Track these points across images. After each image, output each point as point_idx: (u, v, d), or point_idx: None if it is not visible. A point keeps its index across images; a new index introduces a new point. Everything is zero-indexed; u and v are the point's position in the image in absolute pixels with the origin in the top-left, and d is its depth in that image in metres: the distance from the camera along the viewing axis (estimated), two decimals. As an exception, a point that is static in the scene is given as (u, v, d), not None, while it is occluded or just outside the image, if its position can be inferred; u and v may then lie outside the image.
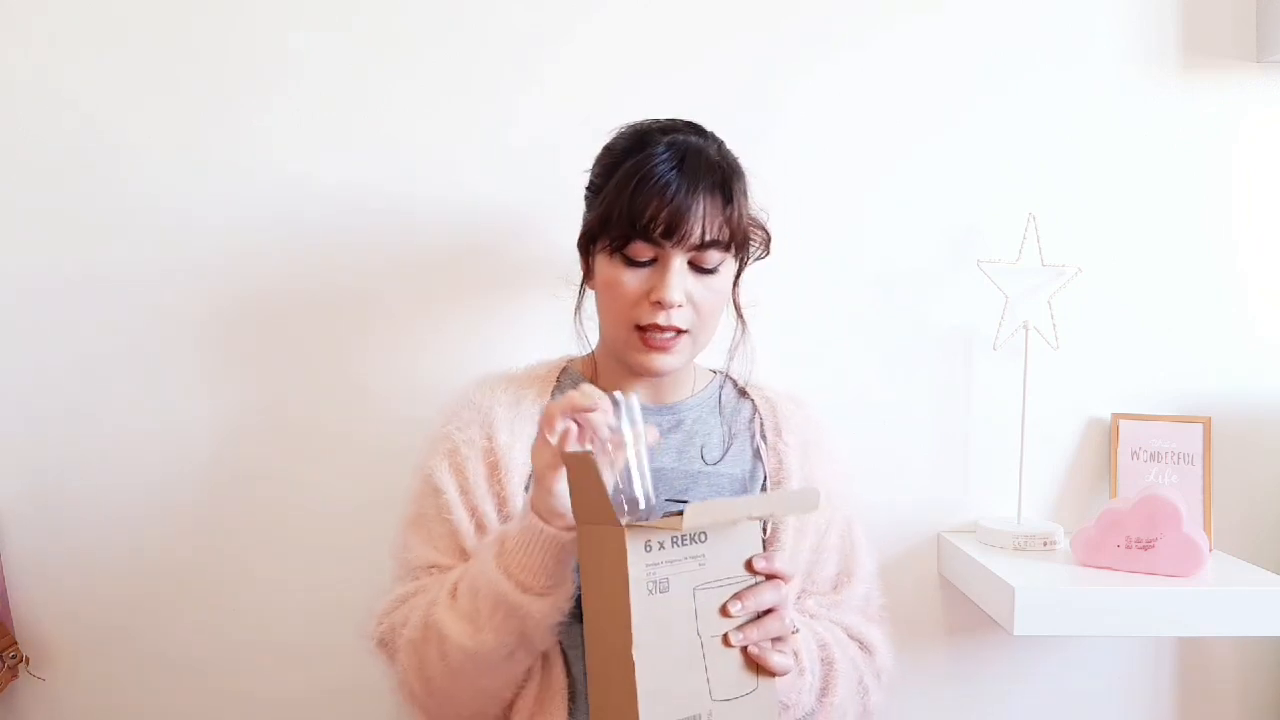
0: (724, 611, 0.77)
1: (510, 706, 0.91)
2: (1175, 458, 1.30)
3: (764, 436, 1.02)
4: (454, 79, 1.29)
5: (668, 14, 1.30)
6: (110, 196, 1.28)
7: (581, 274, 1.01)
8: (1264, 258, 1.36)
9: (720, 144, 0.97)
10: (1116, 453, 1.33)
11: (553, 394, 1.02)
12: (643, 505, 0.79)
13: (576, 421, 0.79)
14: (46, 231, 1.28)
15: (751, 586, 0.79)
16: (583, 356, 1.06)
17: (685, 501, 0.85)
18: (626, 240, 0.89)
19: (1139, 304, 1.35)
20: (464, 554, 0.93)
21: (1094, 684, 1.38)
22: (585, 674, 0.90)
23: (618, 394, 0.81)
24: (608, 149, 0.97)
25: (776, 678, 0.80)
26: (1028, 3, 1.33)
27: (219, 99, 1.28)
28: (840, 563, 1.02)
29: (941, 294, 1.34)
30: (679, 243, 0.89)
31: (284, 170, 1.29)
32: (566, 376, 1.04)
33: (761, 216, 1.00)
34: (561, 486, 0.78)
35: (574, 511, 0.78)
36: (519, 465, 0.95)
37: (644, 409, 0.98)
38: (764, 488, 1.00)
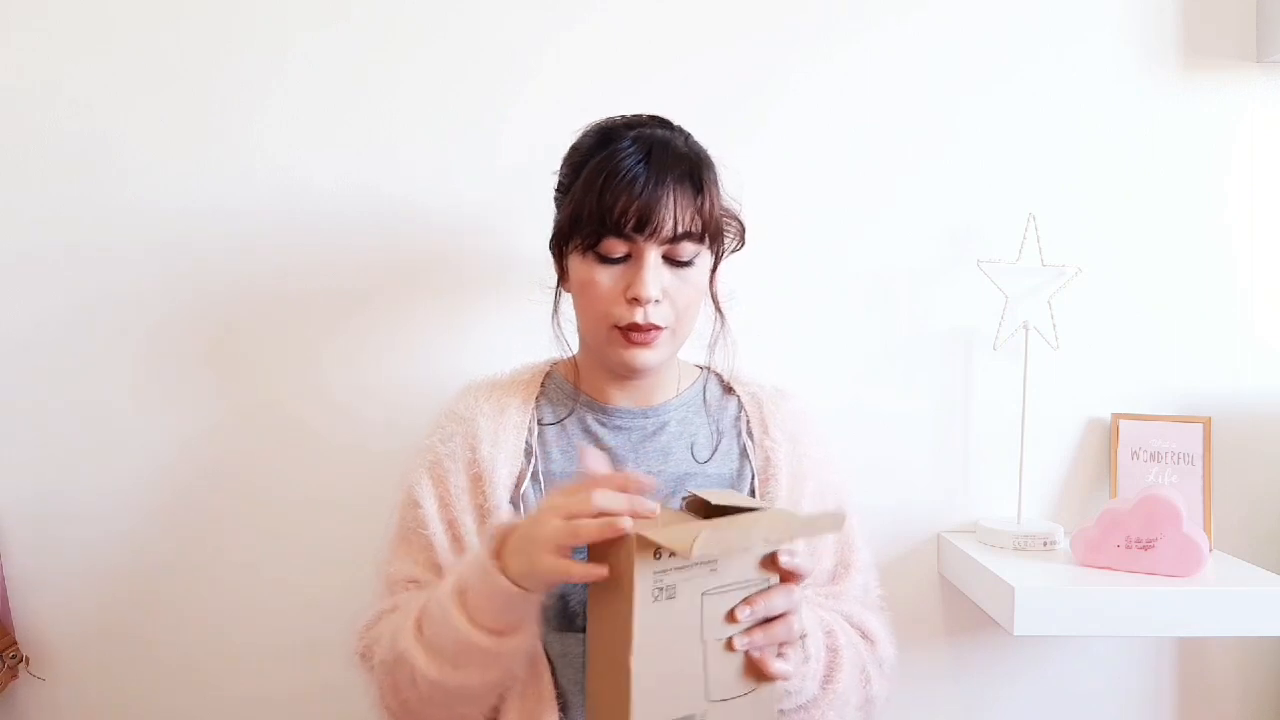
0: (731, 616, 0.76)
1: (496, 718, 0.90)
2: (1175, 458, 1.30)
3: (750, 434, 1.02)
4: (448, 80, 1.29)
5: (664, 11, 1.30)
6: (109, 196, 1.28)
7: (556, 276, 0.99)
8: (1264, 258, 1.36)
9: (688, 136, 0.95)
10: (1116, 453, 1.33)
11: (537, 400, 1.01)
12: None
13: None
14: (45, 231, 1.28)
15: (764, 590, 0.78)
16: (566, 360, 1.05)
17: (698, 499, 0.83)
18: (598, 237, 0.88)
19: (1139, 304, 1.35)
20: (439, 569, 0.93)
21: (1094, 684, 1.38)
22: (574, 683, 0.91)
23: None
24: (574, 148, 0.96)
25: (778, 681, 0.79)
26: (1027, 2, 1.33)
27: (213, 99, 1.28)
28: (837, 554, 1.01)
29: (941, 294, 1.34)
30: (651, 236, 0.88)
31: (278, 172, 1.29)
32: (551, 381, 1.03)
33: (735, 207, 0.99)
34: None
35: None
36: (503, 477, 0.95)
37: (628, 412, 0.98)
38: (752, 485, 0.99)
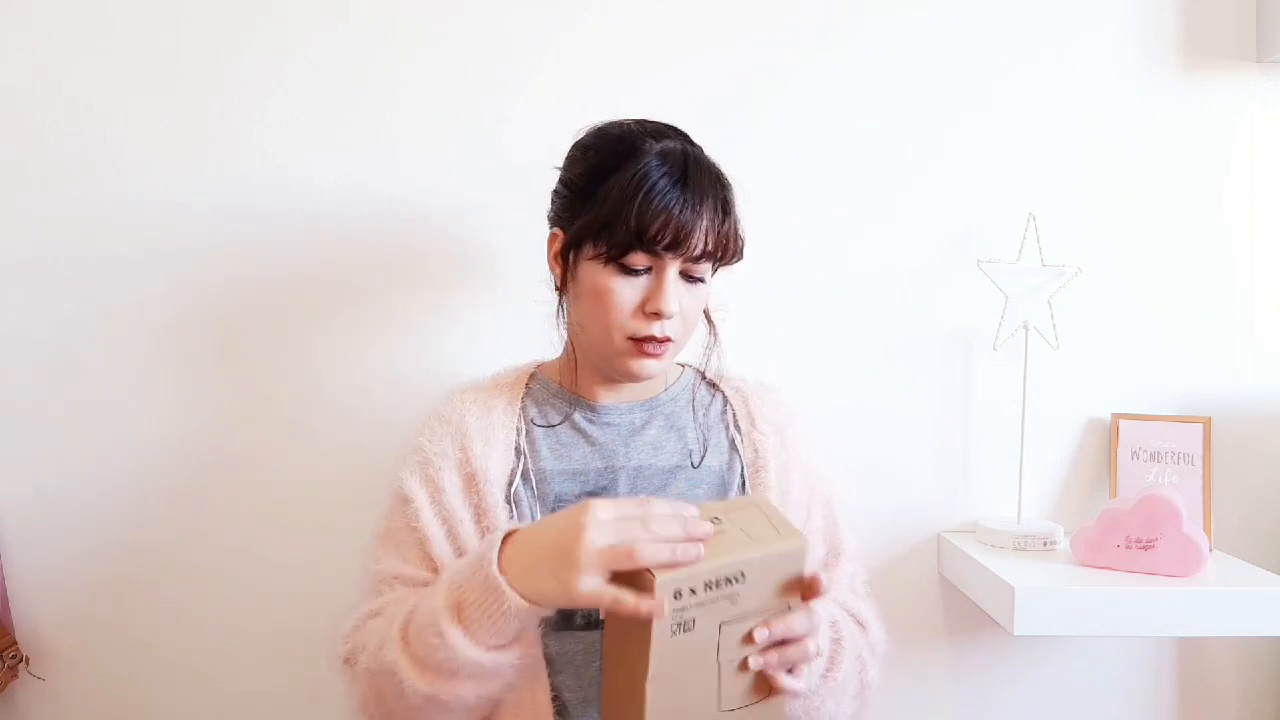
0: (748, 638, 0.76)
1: None
2: (1175, 458, 1.30)
3: (738, 427, 1.02)
4: (448, 80, 1.29)
5: (664, 11, 1.30)
6: (108, 196, 1.28)
7: (555, 278, 0.98)
8: (1264, 258, 1.36)
9: (703, 151, 0.96)
10: (1116, 453, 1.33)
11: (522, 401, 1.01)
12: None
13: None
14: (45, 231, 1.28)
15: (784, 614, 0.78)
16: (552, 361, 1.05)
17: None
18: (626, 250, 0.88)
19: (1139, 304, 1.35)
20: (430, 562, 0.92)
21: (1094, 684, 1.38)
22: (572, 683, 0.91)
23: None
24: (587, 149, 0.95)
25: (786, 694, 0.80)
26: (1028, 2, 1.33)
27: (213, 99, 1.28)
28: (826, 543, 1.01)
29: (941, 294, 1.34)
30: (680, 255, 0.89)
31: (277, 172, 1.29)
32: (535, 382, 1.03)
33: (740, 225, 0.98)
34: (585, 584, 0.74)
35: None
36: (496, 475, 0.94)
37: (616, 409, 0.99)
38: (742, 478, 1.00)
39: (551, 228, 0.97)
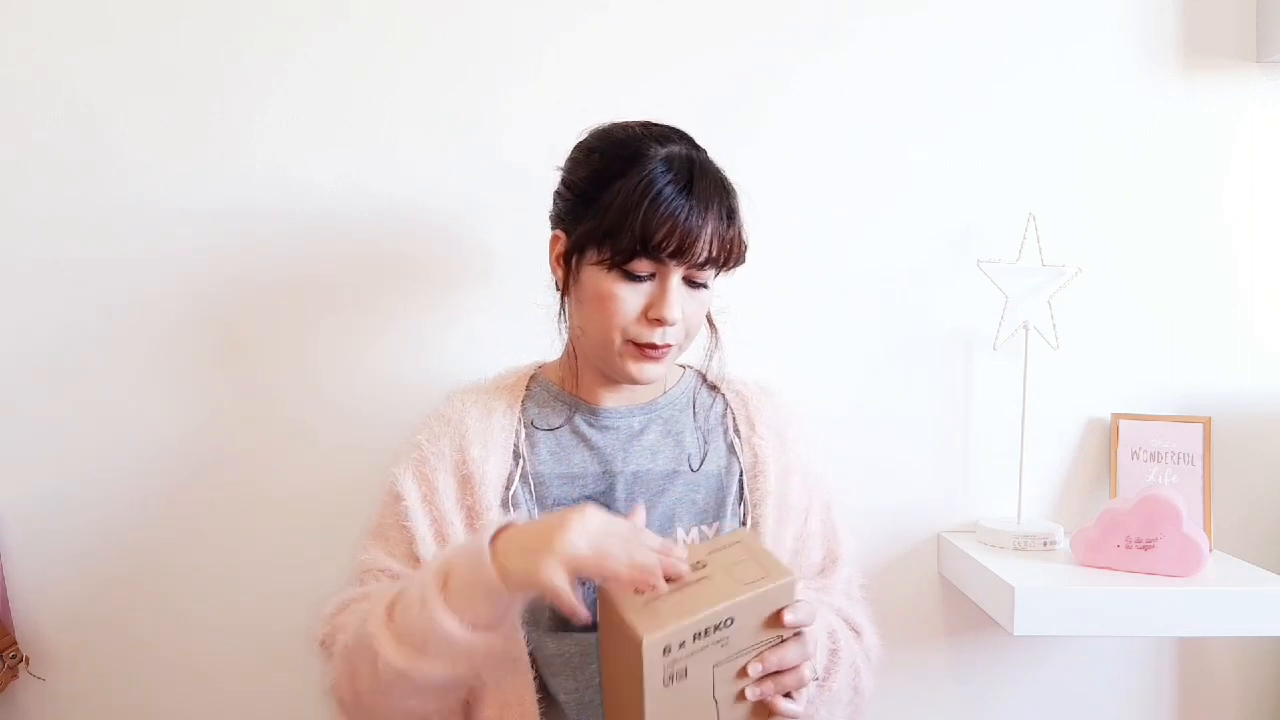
0: (743, 672, 0.77)
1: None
2: (1175, 458, 1.30)
3: (737, 431, 1.02)
4: (448, 80, 1.29)
5: (664, 11, 1.30)
6: (108, 196, 1.28)
7: (556, 279, 0.97)
8: (1264, 258, 1.36)
9: (707, 154, 0.95)
10: (1116, 453, 1.33)
11: (523, 403, 1.01)
12: None
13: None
14: (44, 232, 1.28)
15: (777, 646, 0.79)
16: (553, 362, 1.05)
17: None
18: (630, 256, 0.88)
19: (1139, 304, 1.35)
20: (417, 561, 0.92)
21: (1094, 684, 1.38)
22: (569, 684, 0.91)
23: None
24: (591, 151, 0.94)
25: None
26: (1028, 2, 1.33)
27: (214, 99, 1.28)
28: (824, 547, 1.02)
29: (941, 294, 1.34)
30: (684, 262, 0.89)
31: (277, 172, 1.29)
32: (536, 384, 1.03)
33: (744, 230, 0.98)
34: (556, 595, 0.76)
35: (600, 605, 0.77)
36: (493, 479, 0.94)
37: (616, 411, 0.99)
38: (740, 482, 0.99)
39: (554, 229, 0.97)
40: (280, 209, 1.29)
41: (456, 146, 1.29)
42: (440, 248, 1.30)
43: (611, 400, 1.00)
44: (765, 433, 1.01)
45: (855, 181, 1.33)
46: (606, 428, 0.99)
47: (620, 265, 0.89)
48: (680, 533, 0.96)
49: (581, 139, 0.97)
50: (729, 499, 0.98)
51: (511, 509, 0.94)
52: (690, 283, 0.92)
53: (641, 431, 0.99)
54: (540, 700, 0.90)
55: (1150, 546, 1.17)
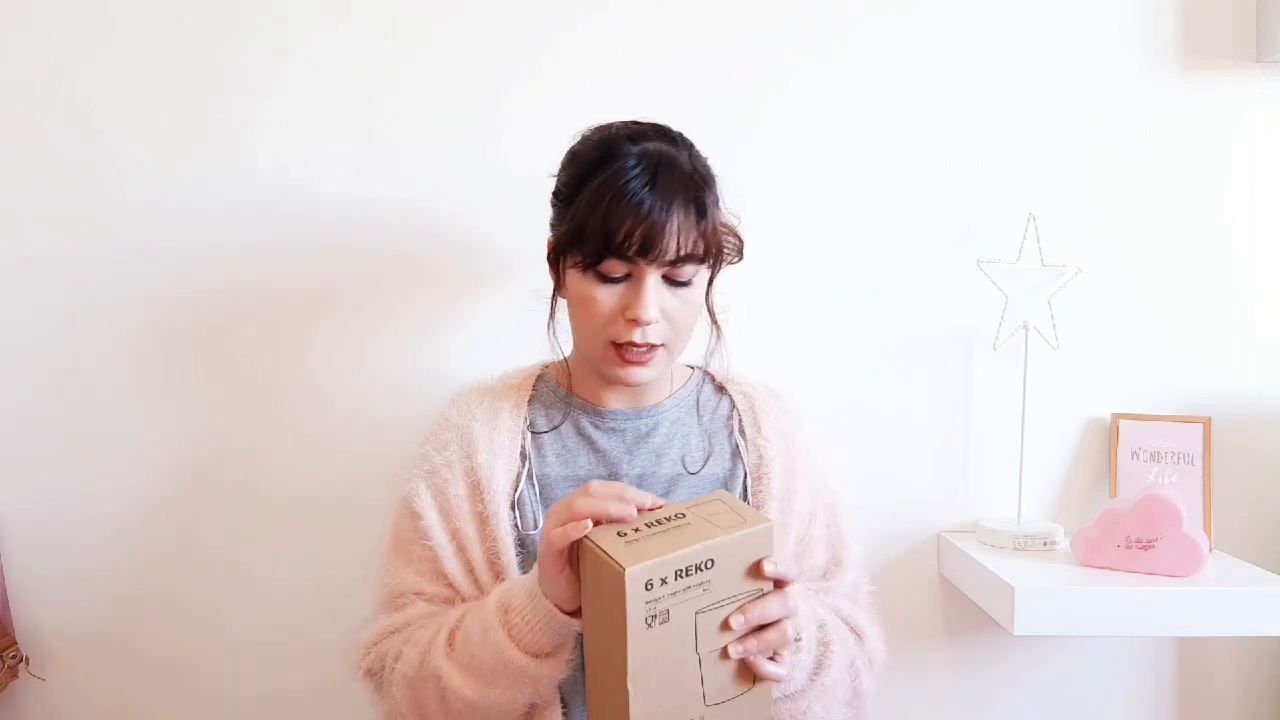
0: (725, 625, 0.77)
1: None
2: (1175, 458, 1.30)
3: (743, 432, 1.02)
4: (448, 80, 1.29)
5: (664, 11, 1.30)
6: (108, 197, 1.28)
7: (552, 283, 0.98)
8: (1264, 258, 1.36)
9: (691, 150, 0.94)
10: (1116, 453, 1.33)
11: (529, 402, 1.01)
12: None
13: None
14: (44, 232, 1.28)
15: (758, 599, 0.78)
16: (558, 362, 1.04)
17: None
18: (600, 258, 0.88)
19: (1139, 304, 1.35)
20: (444, 579, 0.94)
21: (1094, 684, 1.38)
22: (571, 686, 0.91)
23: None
24: (574, 154, 0.94)
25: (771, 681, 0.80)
26: (1028, 2, 1.33)
27: (213, 99, 1.28)
28: (828, 551, 1.01)
29: (941, 294, 1.34)
30: (654, 260, 0.88)
31: (277, 172, 1.29)
32: (542, 384, 1.03)
33: (734, 221, 0.98)
34: (565, 575, 0.79)
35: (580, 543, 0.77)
36: (502, 483, 0.94)
37: (621, 414, 0.99)
38: (745, 484, 0.99)
39: (551, 232, 0.97)
40: (280, 209, 1.29)
41: (456, 146, 1.29)
42: (440, 248, 1.30)
43: (616, 402, 1.00)
44: (771, 435, 1.01)
45: (855, 181, 1.33)
46: (612, 430, 0.99)
47: (592, 267, 0.89)
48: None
49: (572, 142, 0.97)
50: None
51: (518, 511, 0.94)
52: (671, 281, 0.90)
53: (648, 434, 0.99)
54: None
55: (1150, 546, 1.17)
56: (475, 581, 0.93)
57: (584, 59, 1.30)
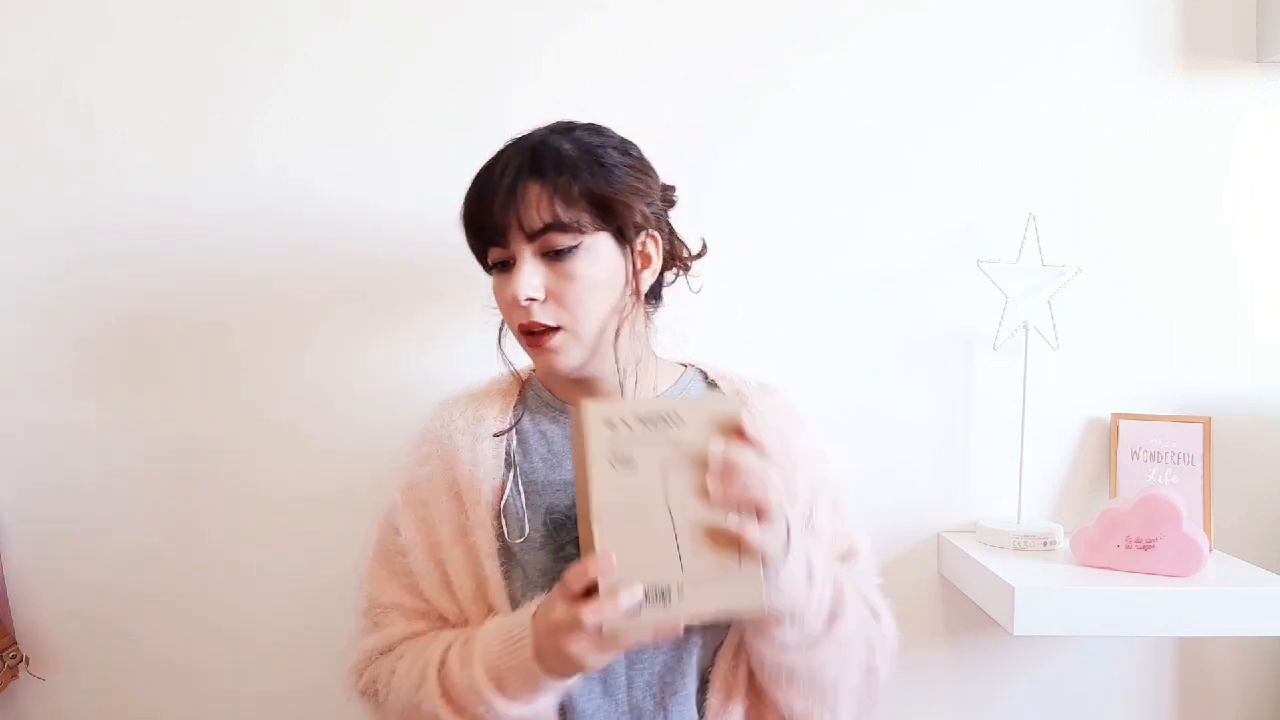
0: (701, 490, 0.75)
1: None
2: (1175, 458, 1.30)
3: None
4: (448, 80, 1.29)
5: (664, 11, 1.30)
6: (108, 196, 1.28)
7: None
8: (1264, 258, 1.36)
9: (589, 132, 0.91)
10: (1116, 453, 1.33)
11: (515, 407, 0.99)
12: None
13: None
14: (44, 232, 1.28)
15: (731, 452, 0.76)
16: None
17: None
18: (479, 250, 0.91)
19: (1139, 304, 1.35)
20: (422, 594, 0.94)
21: (1094, 684, 1.38)
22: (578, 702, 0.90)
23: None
24: None
25: (761, 562, 0.76)
26: (1028, 2, 1.33)
27: (213, 99, 1.28)
28: (837, 544, 1.00)
29: (941, 294, 1.34)
30: (516, 236, 0.87)
31: (277, 172, 1.29)
32: (529, 389, 1.01)
33: (662, 183, 0.96)
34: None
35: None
36: (485, 492, 0.92)
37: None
38: None
39: None
40: (280, 209, 1.29)
41: (456, 147, 1.29)
42: (440, 248, 1.30)
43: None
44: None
45: (855, 181, 1.33)
46: None
47: (483, 261, 0.92)
48: None
49: None
50: None
51: (504, 520, 0.92)
52: (551, 254, 0.87)
53: None
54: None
55: (1150, 546, 1.17)
56: (453, 597, 0.93)
57: (584, 59, 1.30)
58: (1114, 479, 1.33)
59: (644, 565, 0.74)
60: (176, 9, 1.27)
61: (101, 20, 1.27)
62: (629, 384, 0.96)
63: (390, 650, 0.93)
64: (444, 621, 0.94)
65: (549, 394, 1.00)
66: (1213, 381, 1.36)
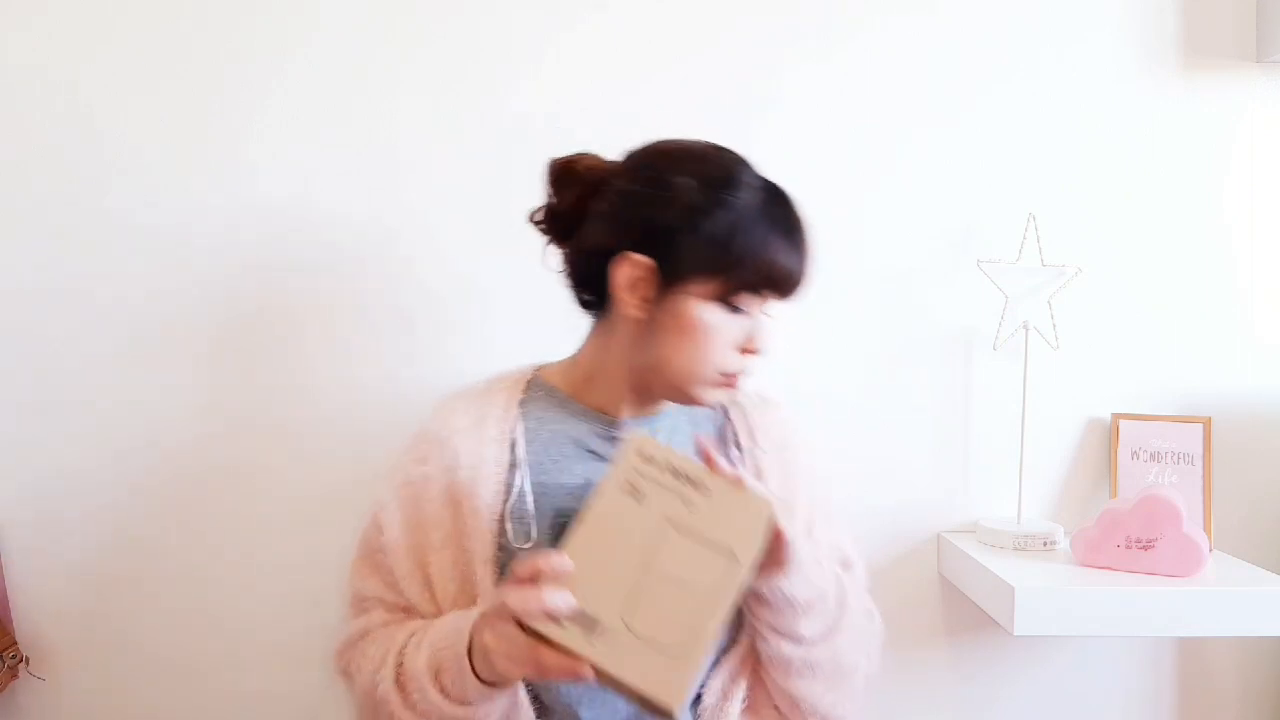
0: (682, 565, 0.74)
1: None
2: (1175, 458, 1.30)
3: (738, 444, 1.00)
4: (448, 80, 1.29)
5: (664, 11, 1.30)
6: (108, 196, 1.28)
7: (636, 306, 0.89)
8: (1264, 258, 1.36)
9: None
10: (1116, 453, 1.33)
11: (520, 405, 0.97)
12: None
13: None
14: (43, 232, 1.28)
15: (731, 570, 0.76)
16: (553, 365, 1.01)
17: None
18: (755, 291, 0.88)
19: (1139, 304, 1.35)
20: (403, 593, 0.93)
21: (1094, 684, 1.38)
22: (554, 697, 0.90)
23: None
24: (676, 172, 0.89)
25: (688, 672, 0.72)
26: (1028, 2, 1.33)
27: (213, 99, 1.28)
28: (839, 553, 1.01)
29: (941, 294, 1.34)
30: (786, 298, 0.91)
31: (277, 172, 1.29)
32: (535, 388, 0.99)
33: None
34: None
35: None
36: (486, 497, 0.91)
37: (627, 423, 0.97)
38: None
39: (615, 248, 0.89)
40: (280, 209, 1.29)
41: (456, 146, 1.29)
42: (440, 247, 1.30)
43: (627, 411, 0.96)
44: (767, 446, 1.00)
45: (855, 181, 1.33)
46: (612, 438, 0.96)
47: (730, 298, 0.88)
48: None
49: (639, 154, 0.93)
50: None
51: (510, 523, 0.91)
52: None
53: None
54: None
55: (1150, 546, 1.17)
56: (433, 598, 0.92)
57: (584, 59, 1.30)
58: (1114, 479, 1.33)
59: (591, 590, 0.72)
60: (176, 9, 1.27)
61: (101, 20, 1.27)
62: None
63: (367, 635, 0.94)
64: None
65: (562, 395, 0.98)
66: (1213, 381, 1.36)
